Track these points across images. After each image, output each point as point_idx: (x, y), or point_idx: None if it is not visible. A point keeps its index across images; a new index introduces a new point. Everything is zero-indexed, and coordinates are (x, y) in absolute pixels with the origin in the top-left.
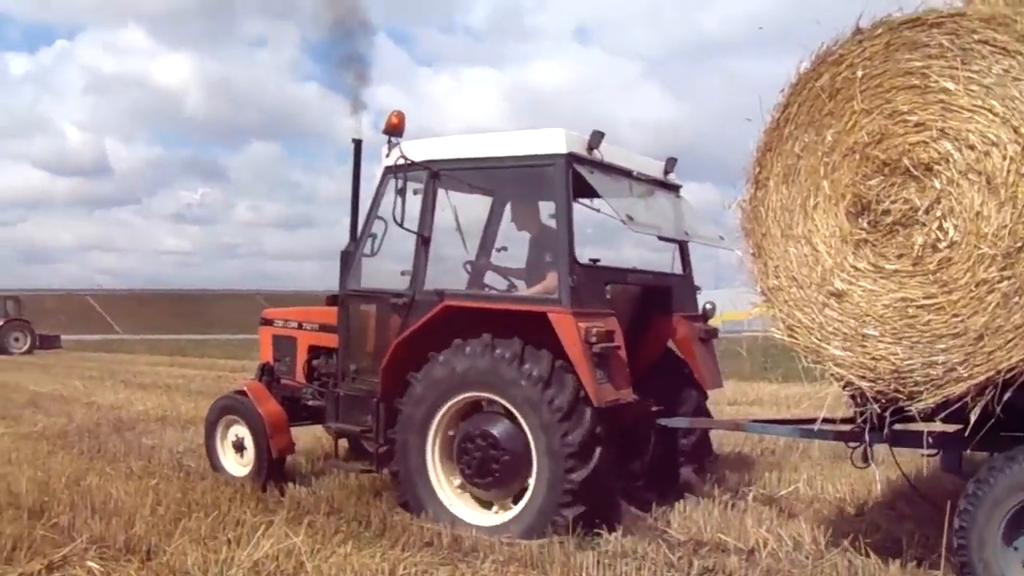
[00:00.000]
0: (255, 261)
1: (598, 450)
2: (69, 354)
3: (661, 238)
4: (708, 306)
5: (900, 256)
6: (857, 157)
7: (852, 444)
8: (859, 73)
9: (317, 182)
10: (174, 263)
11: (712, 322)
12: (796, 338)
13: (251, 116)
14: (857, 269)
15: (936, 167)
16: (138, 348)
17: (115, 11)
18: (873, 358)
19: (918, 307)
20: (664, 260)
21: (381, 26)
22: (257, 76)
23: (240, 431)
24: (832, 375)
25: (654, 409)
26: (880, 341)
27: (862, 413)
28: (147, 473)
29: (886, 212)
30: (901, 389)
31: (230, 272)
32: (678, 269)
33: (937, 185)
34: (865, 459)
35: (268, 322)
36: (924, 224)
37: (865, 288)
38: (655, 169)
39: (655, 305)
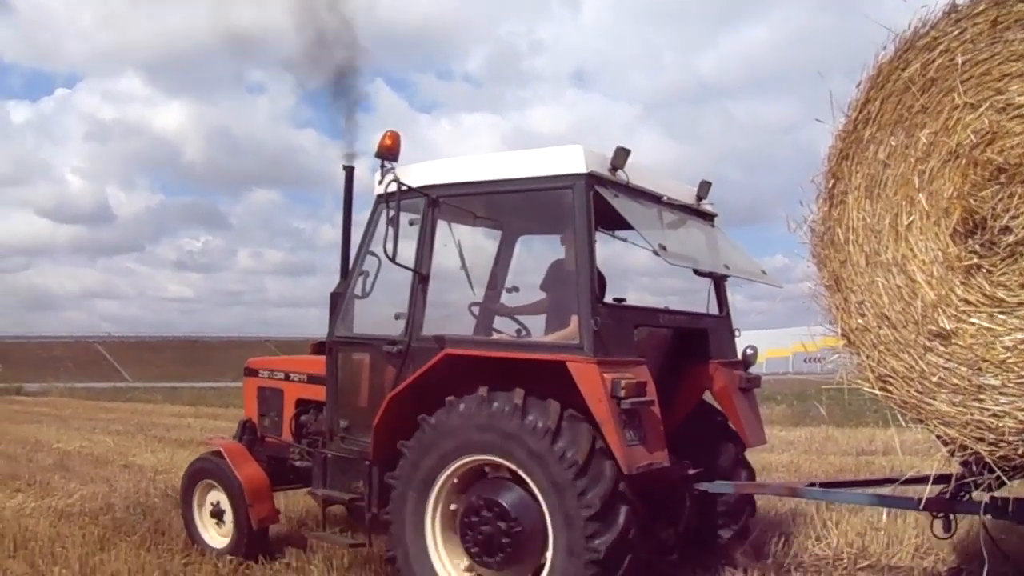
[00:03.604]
0: (258, 308)
1: (623, 510)
2: (84, 403)
3: (697, 272)
4: (749, 351)
5: None
6: (963, 162)
7: (938, 513)
8: (959, 59)
9: (318, 228)
10: (178, 310)
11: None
12: (891, 391)
13: (251, 163)
14: (968, 303)
15: None
16: (155, 397)
17: (113, 58)
18: (994, 415)
19: None
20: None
21: (379, 73)
22: (256, 123)
23: (218, 497)
24: (939, 437)
25: (691, 472)
26: (1002, 393)
27: (977, 483)
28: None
29: (1005, 230)
30: None
31: (234, 319)
32: (713, 308)
33: None
34: (947, 528)
35: (253, 372)
36: None
37: (980, 326)
38: (687, 194)
39: (689, 351)
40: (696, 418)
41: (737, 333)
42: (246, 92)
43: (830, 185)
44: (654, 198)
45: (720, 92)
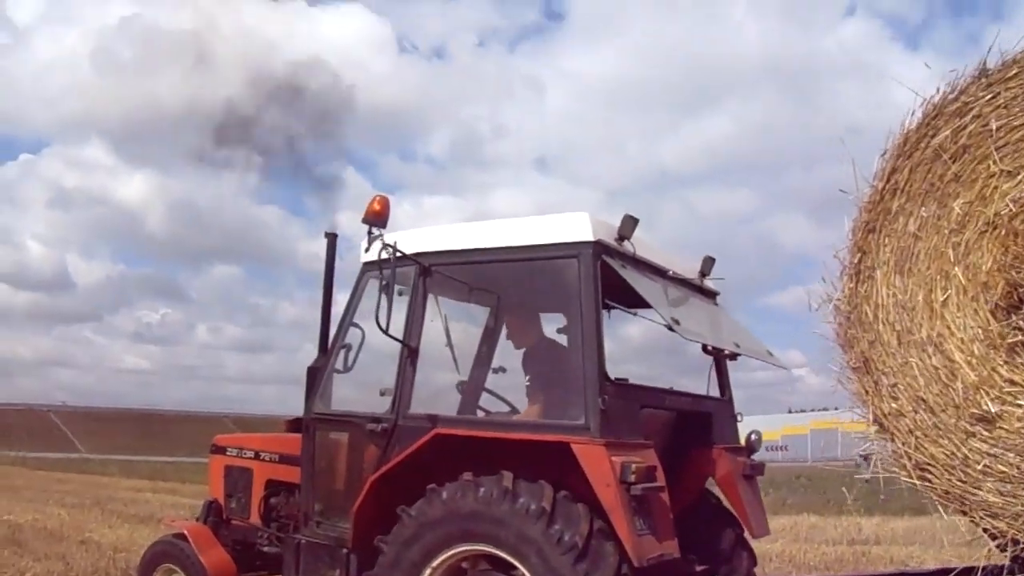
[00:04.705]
0: (215, 383)
1: None
2: (36, 474)
3: (706, 349)
4: (753, 436)
5: None
6: (1002, 233)
7: None
8: (993, 125)
9: (277, 306)
10: (134, 382)
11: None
12: (930, 480)
13: (213, 238)
14: (1014, 383)
15: None
16: (111, 469)
17: (79, 126)
18: None
19: None
20: None
21: (343, 153)
22: (219, 197)
23: None
24: (985, 530)
25: (699, 569)
26: None
27: None
28: None
29: None
30: None
31: (190, 393)
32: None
33: None
34: None
35: (220, 450)
36: None
37: None
38: (690, 269)
39: (692, 434)
40: (697, 506)
41: (739, 418)
42: (210, 167)
43: (856, 260)
44: (659, 271)
45: (681, 180)
